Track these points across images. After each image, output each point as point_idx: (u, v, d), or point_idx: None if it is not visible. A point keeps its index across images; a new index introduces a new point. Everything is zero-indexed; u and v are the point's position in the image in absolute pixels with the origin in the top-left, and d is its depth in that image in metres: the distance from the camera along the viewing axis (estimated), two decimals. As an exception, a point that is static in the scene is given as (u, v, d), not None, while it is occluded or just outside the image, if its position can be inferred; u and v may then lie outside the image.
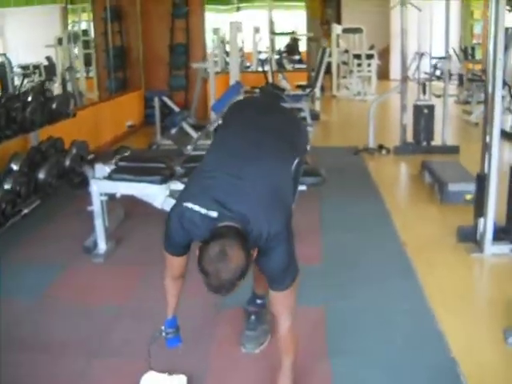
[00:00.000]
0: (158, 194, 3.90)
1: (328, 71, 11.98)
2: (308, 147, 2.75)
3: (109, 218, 4.26)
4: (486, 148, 4.01)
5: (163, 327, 2.57)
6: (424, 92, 7.64)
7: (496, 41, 3.83)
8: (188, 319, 3.11)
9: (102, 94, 8.99)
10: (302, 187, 3.82)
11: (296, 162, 2.51)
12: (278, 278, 2.26)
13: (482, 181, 4.05)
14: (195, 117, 8.43)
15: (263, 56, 12.73)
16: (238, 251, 2.03)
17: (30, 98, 4.85)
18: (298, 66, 14.69)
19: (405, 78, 7.20)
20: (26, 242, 4.41)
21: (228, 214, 2.13)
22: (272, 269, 2.26)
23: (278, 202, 2.25)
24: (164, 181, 3.88)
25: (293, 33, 14.35)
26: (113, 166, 4.07)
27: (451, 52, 7.24)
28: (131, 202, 4.81)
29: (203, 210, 2.15)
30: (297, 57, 16.34)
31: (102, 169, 4.06)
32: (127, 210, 4.91)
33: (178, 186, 3.90)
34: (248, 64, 14.16)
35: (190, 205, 2.19)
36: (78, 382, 2.67)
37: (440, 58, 7.28)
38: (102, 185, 3.97)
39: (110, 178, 3.95)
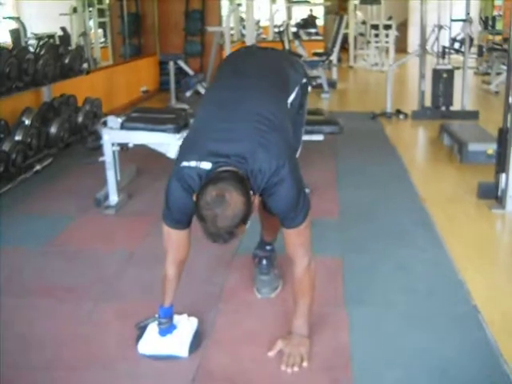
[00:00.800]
0: (171, 144, 3.80)
1: (344, 46, 11.79)
2: (304, 80, 2.58)
3: (121, 174, 4.18)
4: (508, 102, 3.86)
5: (157, 315, 2.38)
6: (443, 57, 7.45)
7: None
8: (201, 265, 3.07)
9: (116, 60, 8.89)
10: (319, 137, 3.75)
11: (293, 95, 2.41)
12: (289, 215, 2.16)
13: (503, 135, 3.92)
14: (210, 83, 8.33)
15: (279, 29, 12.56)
16: (237, 196, 1.92)
17: (42, 52, 4.75)
18: (314, 37, 14.53)
19: (424, 42, 7.02)
20: (36, 196, 4.34)
21: (223, 161, 2.03)
22: (282, 206, 2.15)
23: (275, 137, 2.14)
24: (177, 130, 3.79)
25: (309, 1, 14.14)
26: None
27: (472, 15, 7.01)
28: (144, 159, 4.78)
29: (197, 164, 2.05)
30: (313, 30, 16.18)
31: (115, 120, 3.97)
32: (140, 167, 4.84)
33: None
34: (264, 37, 14.02)
35: (185, 163, 2.08)
36: (85, 324, 2.59)
37: (460, 21, 7.07)
38: (114, 134, 3.89)
39: (122, 127, 3.86)
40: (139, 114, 4.05)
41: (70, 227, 3.73)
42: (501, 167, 3.94)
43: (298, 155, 2.47)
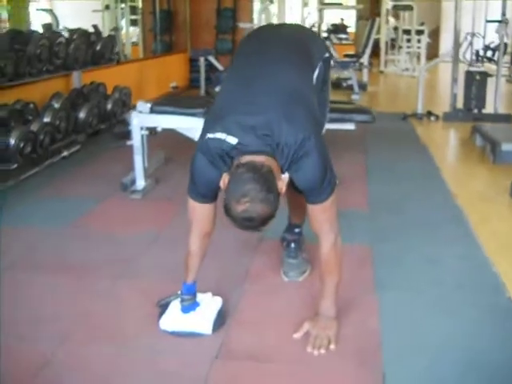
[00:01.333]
0: (199, 128, 3.74)
1: (375, 51, 11.68)
2: (327, 55, 2.52)
3: (148, 161, 4.15)
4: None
5: (180, 292, 2.33)
6: (477, 60, 7.33)
7: None
8: (226, 247, 3.01)
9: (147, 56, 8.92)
10: (350, 126, 3.68)
11: (317, 71, 2.36)
12: (314, 190, 2.09)
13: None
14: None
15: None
16: (263, 207, 1.88)
17: (74, 37, 4.74)
18: (345, 42, 14.47)
19: (457, 45, 6.91)
20: (61, 180, 4.32)
21: (249, 140, 1.97)
22: (307, 181, 2.08)
23: (301, 110, 2.07)
24: (207, 114, 3.73)
25: (341, 4, 14.08)
26: (154, 104, 3.97)
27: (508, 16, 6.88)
28: (171, 148, 4.76)
29: (223, 136, 1.99)
30: (344, 36, 16.12)
31: (144, 105, 3.94)
32: (167, 155, 4.81)
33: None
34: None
35: (210, 135, 2.02)
36: (102, 300, 2.54)
37: (495, 21, 6.95)
38: (142, 118, 3.86)
39: (151, 110, 3.83)
40: (169, 99, 3.99)
41: (94, 210, 3.70)
42: (537, 165, 3.83)
43: (323, 132, 2.40)
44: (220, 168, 2.04)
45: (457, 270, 2.86)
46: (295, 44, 2.40)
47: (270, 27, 2.87)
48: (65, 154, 4.77)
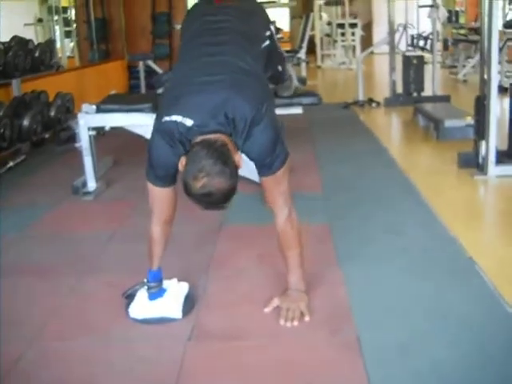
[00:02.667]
0: (149, 124, 3.71)
1: (311, 49, 11.80)
2: (272, 27, 2.56)
3: (98, 164, 4.09)
4: (485, 65, 3.88)
5: (146, 280, 2.31)
6: (413, 45, 7.50)
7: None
8: (187, 235, 3.00)
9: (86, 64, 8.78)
10: (298, 110, 3.71)
11: (265, 43, 2.40)
12: (266, 160, 2.09)
13: (481, 102, 3.93)
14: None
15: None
16: (220, 182, 1.88)
17: (12, 43, 4.64)
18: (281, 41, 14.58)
19: (392, 29, 7.06)
20: (10, 189, 4.19)
21: (205, 119, 1.98)
22: (258, 150, 2.08)
23: (252, 82, 2.12)
24: (154, 109, 3.70)
25: (275, 1, 14.17)
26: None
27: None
28: (119, 151, 4.71)
29: (179, 118, 1.99)
30: (279, 36, 16.25)
31: (89, 107, 3.88)
32: (116, 157, 4.76)
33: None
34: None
35: (167, 118, 2.02)
36: (70, 296, 2.50)
37: (427, 6, 7.14)
38: (89, 118, 3.80)
39: (98, 110, 3.77)
40: (114, 97, 3.95)
41: (47, 214, 3.61)
42: (480, 135, 3.94)
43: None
44: (178, 151, 2.03)
45: (416, 238, 2.92)
46: (243, 21, 2.40)
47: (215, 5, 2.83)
48: (10, 164, 4.66)
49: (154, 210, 2.25)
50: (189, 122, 1.98)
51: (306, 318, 2.17)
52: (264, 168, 2.13)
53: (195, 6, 2.68)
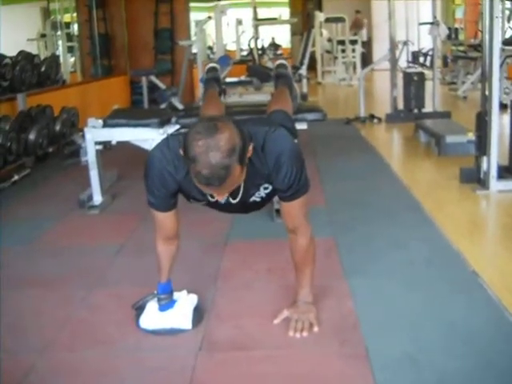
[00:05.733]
0: (154, 139, 3.76)
1: (311, 65, 11.89)
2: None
3: (103, 178, 4.12)
4: (486, 82, 3.94)
5: (156, 292, 2.34)
6: (414, 61, 7.58)
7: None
8: (194, 251, 3.04)
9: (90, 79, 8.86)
10: (303, 125, 3.75)
11: None
12: (294, 184, 2.10)
13: (482, 118, 3.98)
14: (181, 101, 8.28)
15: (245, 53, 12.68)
16: (231, 127, 1.81)
17: (19, 58, 4.70)
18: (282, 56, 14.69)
19: (394, 46, 7.14)
20: (16, 203, 4.24)
21: None
22: (288, 175, 2.08)
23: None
24: (161, 124, 3.76)
25: (276, 19, 14.31)
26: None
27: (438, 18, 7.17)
28: (125, 163, 4.75)
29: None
30: (279, 52, 16.40)
31: (95, 121, 3.93)
32: (120, 172, 4.81)
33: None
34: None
35: (173, 133, 2.08)
36: (79, 308, 2.53)
37: (428, 23, 7.22)
38: (96, 132, 3.84)
39: (105, 124, 3.82)
40: (121, 112, 4.00)
41: (55, 227, 3.65)
42: (482, 150, 3.99)
43: None
44: (178, 169, 2.03)
45: (420, 252, 2.95)
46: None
47: None
48: (15, 178, 4.70)
49: (156, 229, 2.29)
50: None
51: (315, 329, 2.20)
52: (291, 192, 2.14)
53: None
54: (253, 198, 2.20)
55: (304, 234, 2.26)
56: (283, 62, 3.66)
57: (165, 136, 3.58)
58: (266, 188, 2.17)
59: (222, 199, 2.08)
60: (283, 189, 2.13)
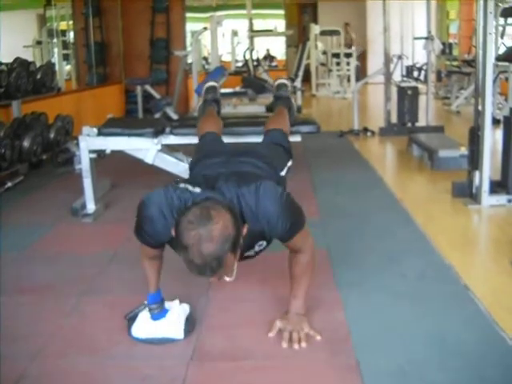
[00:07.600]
0: (149, 149, 3.78)
1: (306, 78, 11.94)
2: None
3: (96, 187, 4.12)
4: (479, 97, 3.97)
5: (146, 302, 2.35)
6: (408, 75, 7.63)
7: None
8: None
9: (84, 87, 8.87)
10: (297, 138, 3.77)
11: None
12: (288, 231, 2.12)
13: (475, 133, 4.01)
14: (176, 111, 8.29)
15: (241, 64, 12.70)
16: (225, 214, 1.79)
17: (15, 65, 4.71)
18: (276, 69, 14.78)
19: (388, 60, 7.19)
20: (9, 209, 4.23)
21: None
22: (281, 232, 2.10)
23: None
24: (155, 134, 3.77)
25: (271, 31, 14.37)
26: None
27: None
28: (118, 172, 4.76)
29: (190, 187, 2.05)
30: (274, 63, 16.49)
31: (90, 130, 3.93)
32: (113, 180, 4.80)
33: (171, 139, 3.80)
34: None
35: (175, 185, 2.10)
36: (71, 316, 2.53)
37: (422, 38, 7.28)
38: (90, 141, 3.85)
39: (99, 133, 3.82)
40: (116, 121, 4.01)
41: (48, 235, 3.65)
42: (474, 165, 4.02)
43: None
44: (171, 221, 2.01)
45: (412, 265, 2.97)
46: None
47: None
48: (9, 184, 4.70)
49: (141, 250, 2.30)
50: (197, 190, 2.05)
51: (318, 337, 2.22)
52: (287, 238, 2.16)
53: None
54: (247, 254, 2.21)
55: (306, 252, 2.28)
56: (284, 81, 3.64)
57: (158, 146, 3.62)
58: (260, 245, 2.20)
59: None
60: (281, 238, 2.17)
